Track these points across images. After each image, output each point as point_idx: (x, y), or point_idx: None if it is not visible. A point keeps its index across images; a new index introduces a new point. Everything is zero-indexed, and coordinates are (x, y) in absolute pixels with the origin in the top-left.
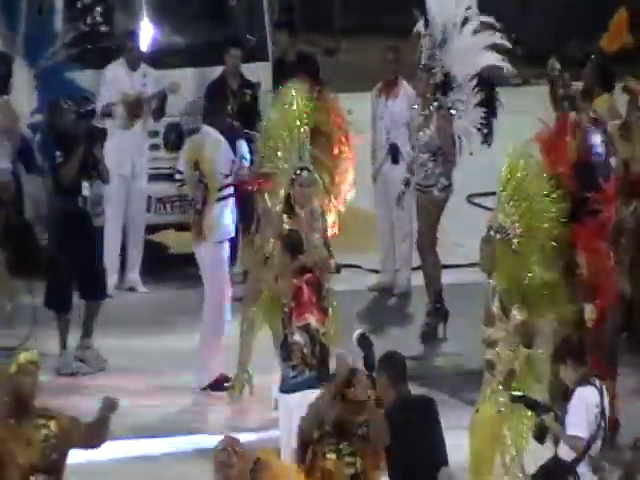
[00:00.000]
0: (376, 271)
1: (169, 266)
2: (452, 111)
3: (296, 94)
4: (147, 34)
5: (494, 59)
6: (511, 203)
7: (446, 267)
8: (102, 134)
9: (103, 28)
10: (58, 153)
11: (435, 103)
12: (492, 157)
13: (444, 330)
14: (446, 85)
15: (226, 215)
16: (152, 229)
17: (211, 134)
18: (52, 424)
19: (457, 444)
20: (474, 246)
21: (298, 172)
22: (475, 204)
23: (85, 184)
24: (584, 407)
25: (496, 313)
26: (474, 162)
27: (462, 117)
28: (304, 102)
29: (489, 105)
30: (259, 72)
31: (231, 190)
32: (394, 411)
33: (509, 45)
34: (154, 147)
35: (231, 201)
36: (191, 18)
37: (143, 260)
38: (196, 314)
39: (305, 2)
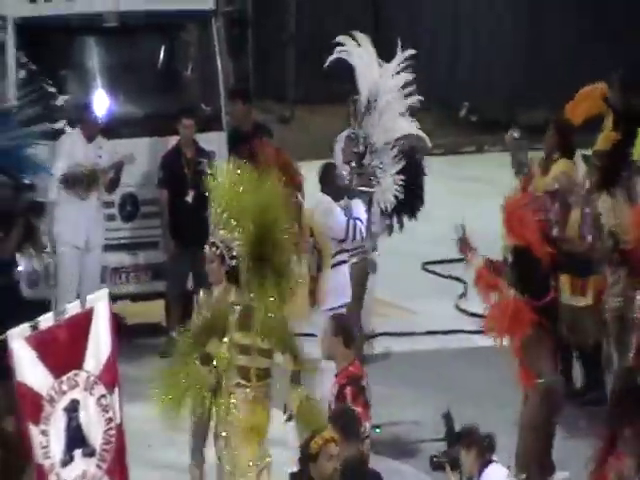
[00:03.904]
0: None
1: (124, 337)
2: (371, 178)
3: None
4: (102, 105)
5: (409, 127)
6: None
7: (402, 335)
8: (40, 208)
9: (58, 100)
10: None
11: (358, 170)
12: (448, 225)
13: None
14: (370, 153)
15: (340, 280)
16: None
17: (323, 200)
18: None
19: None
20: (429, 313)
21: None
22: (431, 272)
23: (21, 257)
24: None
25: None
26: (429, 229)
27: (380, 184)
28: None
29: (412, 175)
30: (214, 141)
31: (345, 256)
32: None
33: (418, 105)
34: (110, 217)
35: (345, 266)
36: (146, 88)
37: None
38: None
39: (259, 71)
